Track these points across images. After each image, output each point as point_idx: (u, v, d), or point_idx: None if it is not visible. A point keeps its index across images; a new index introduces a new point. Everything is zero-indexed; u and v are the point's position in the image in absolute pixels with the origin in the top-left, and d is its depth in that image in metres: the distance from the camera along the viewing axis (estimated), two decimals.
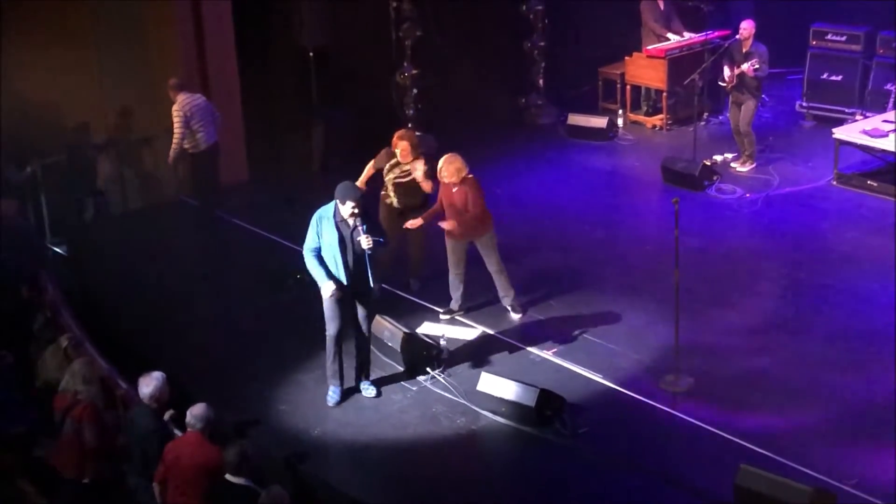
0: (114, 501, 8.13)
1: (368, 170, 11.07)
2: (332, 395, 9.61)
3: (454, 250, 10.61)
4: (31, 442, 8.61)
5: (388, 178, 10.91)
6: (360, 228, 9.11)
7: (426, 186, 10.77)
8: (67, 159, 12.97)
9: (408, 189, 10.86)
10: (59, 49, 12.83)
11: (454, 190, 10.36)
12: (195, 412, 7.56)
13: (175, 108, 12.33)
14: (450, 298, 10.84)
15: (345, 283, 9.25)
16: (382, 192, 11.03)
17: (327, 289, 9.20)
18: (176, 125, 12.31)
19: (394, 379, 9.88)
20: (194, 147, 12.48)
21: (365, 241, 9.07)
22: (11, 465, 8.26)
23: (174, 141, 12.40)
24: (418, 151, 10.86)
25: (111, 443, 8.25)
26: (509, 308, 10.76)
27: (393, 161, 10.88)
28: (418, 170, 10.69)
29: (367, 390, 9.68)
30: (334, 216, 9.16)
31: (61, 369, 8.78)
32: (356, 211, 9.09)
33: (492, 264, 10.57)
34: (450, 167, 10.29)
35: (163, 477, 7.61)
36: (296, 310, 11.15)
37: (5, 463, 8.25)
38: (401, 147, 10.78)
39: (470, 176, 10.37)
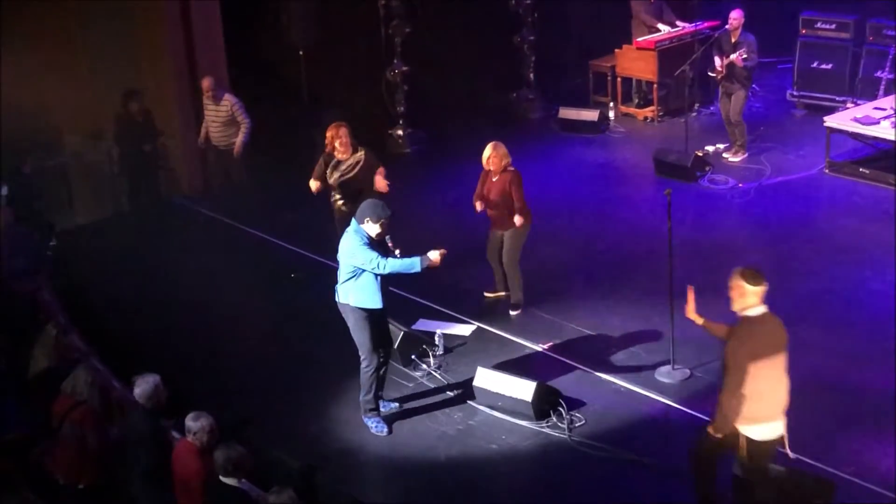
0: None
1: (316, 189, 10.85)
2: (379, 426, 9.21)
3: (491, 239, 10.65)
4: (29, 447, 8.58)
5: (332, 180, 10.71)
6: (390, 245, 9.00)
7: (380, 176, 10.63)
8: (115, 132, 13.19)
9: (354, 185, 10.67)
10: (47, 51, 12.82)
11: (494, 179, 10.39)
12: (188, 423, 7.53)
13: (231, 102, 12.71)
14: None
15: (381, 303, 8.96)
16: (332, 200, 10.90)
17: (433, 255, 8.77)
18: (243, 115, 12.75)
19: (390, 376, 9.86)
20: (236, 138, 12.80)
21: (398, 255, 8.98)
22: (10, 470, 8.23)
23: (245, 131, 12.75)
24: (355, 141, 10.75)
25: (110, 447, 8.23)
26: (511, 306, 10.77)
27: (333, 162, 10.72)
28: (379, 183, 10.56)
29: (389, 408, 9.52)
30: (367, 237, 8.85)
31: (51, 356, 8.79)
32: (385, 228, 8.85)
33: (506, 257, 10.57)
34: (496, 154, 10.30)
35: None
36: (291, 309, 11.17)
37: (4, 469, 8.22)
38: (341, 135, 10.59)
39: (512, 168, 10.39)
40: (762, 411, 7.24)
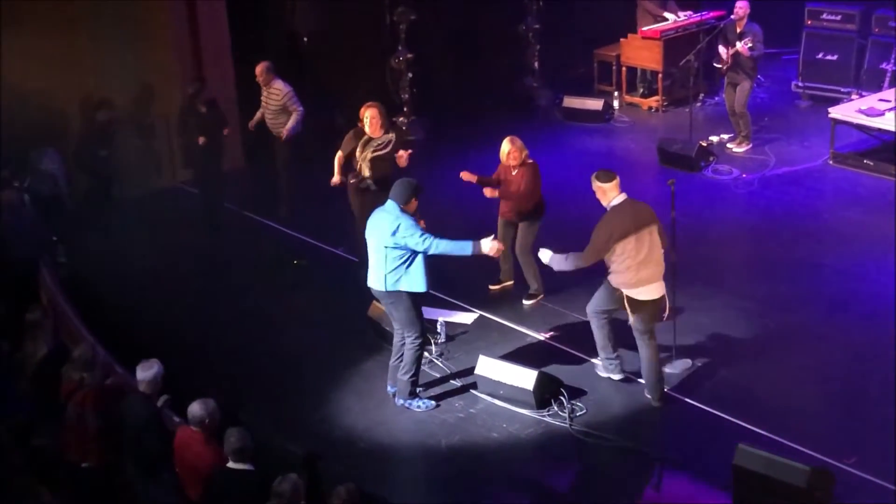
0: (116, 487, 8.12)
1: (339, 160, 10.93)
2: (427, 402, 9.33)
3: (501, 231, 10.65)
4: (29, 431, 8.60)
5: (364, 156, 10.75)
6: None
7: (402, 161, 10.72)
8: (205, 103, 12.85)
9: (383, 163, 10.72)
10: (52, 38, 12.77)
11: (514, 172, 10.42)
12: (192, 412, 7.52)
13: (281, 89, 12.45)
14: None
15: (428, 285, 9.00)
16: (352, 180, 10.92)
17: (486, 244, 8.91)
18: (295, 104, 12.46)
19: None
20: (291, 129, 12.63)
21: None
22: (10, 454, 8.25)
23: (296, 119, 12.47)
24: (389, 120, 10.83)
25: (113, 428, 8.24)
26: (527, 295, 10.77)
27: (364, 138, 10.77)
28: (402, 157, 10.66)
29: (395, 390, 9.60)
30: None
31: (36, 342, 8.81)
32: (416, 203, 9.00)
33: (520, 249, 10.61)
34: (515, 148, 10.36)
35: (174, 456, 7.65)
36: (294, 295, 11.17)
37: (4, 452, 8.25)
38: (370, 115, 10.65)
39: (531, 160, 10.44)
40: (637, 277, 8.82)
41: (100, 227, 12.60)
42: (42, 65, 12.63)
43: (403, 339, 9.19)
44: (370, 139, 10.75)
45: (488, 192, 10.55)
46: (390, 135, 10.80)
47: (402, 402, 9.31)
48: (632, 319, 9.02)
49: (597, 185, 8.95)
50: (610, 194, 8.91)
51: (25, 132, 12.45)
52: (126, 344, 9.73)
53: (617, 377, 9.42)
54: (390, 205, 8.90)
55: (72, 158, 12.89)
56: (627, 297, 8.92)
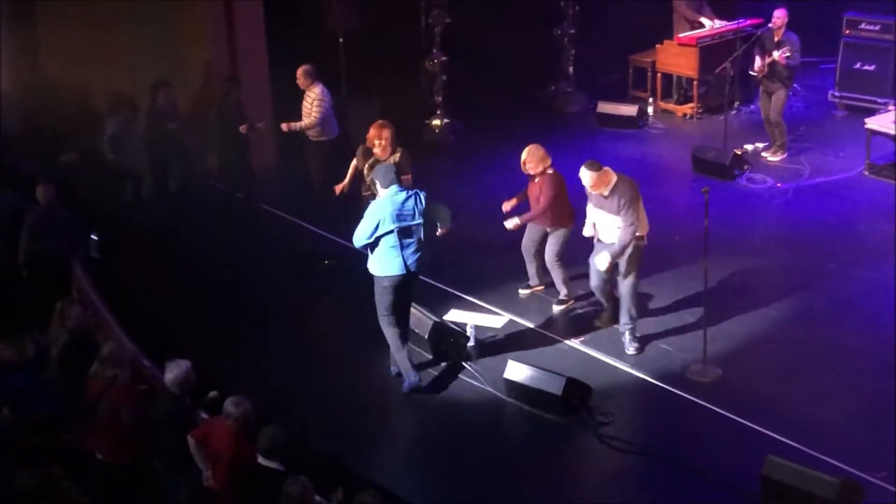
0: (150, 482, 8.15)
1: (352, 170, 11.07)
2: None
3: (527, 232, 10.67)
4: (59, 425, 8.64)
5: (369, 177, 10.76)
6: None
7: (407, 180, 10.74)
8: (235, 103, 12.95)
9: None
10: (88, 34, 12.86)
11: (535, 181, 10.42)
12: (225, 407, 7.56)
13: (316, 95, 12.37)
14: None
15: None
16: (365, 193, 10.93)
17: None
18: (317, 111, 12.34)
19: (420, 366, 9.84)
20: (325, 136, 12.54)
21: None
22: (40, 448, 8.29)
23: (306, 124, 12.39)
24: (397, 143, 10.78)
25: (147, 423, 8.27)
26: (558, 301, 10.72)
27: (371, 160, 10.78)
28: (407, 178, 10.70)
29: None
30: None
31: (59, 333, 8.86)
32: None
33: (548, 256, 10.58)
34: (531, 159, 10.34)
35: (203, 436, 7.65)
36: (324, 295, 11.19)
37: (34, 446, 8.28)
38: (384, 137, 10.62)
39: (550, 171, 10.38)
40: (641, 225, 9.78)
41: (136, 221, 12.70)
42: (78, 61, 12.71)
43: (397, 325, 9.41)
44: (376, 161, 10.75)
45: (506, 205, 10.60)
46: (395, 155, 10.77)
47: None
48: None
49: (596, 175, 9.55)
50: (609, 174, 9.60)
51: (60, 126, 12.54)
52: (155, 341, 9.78)
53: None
54: (395, 188, 9.22)
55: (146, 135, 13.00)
56: (638, 237, 9.72)
